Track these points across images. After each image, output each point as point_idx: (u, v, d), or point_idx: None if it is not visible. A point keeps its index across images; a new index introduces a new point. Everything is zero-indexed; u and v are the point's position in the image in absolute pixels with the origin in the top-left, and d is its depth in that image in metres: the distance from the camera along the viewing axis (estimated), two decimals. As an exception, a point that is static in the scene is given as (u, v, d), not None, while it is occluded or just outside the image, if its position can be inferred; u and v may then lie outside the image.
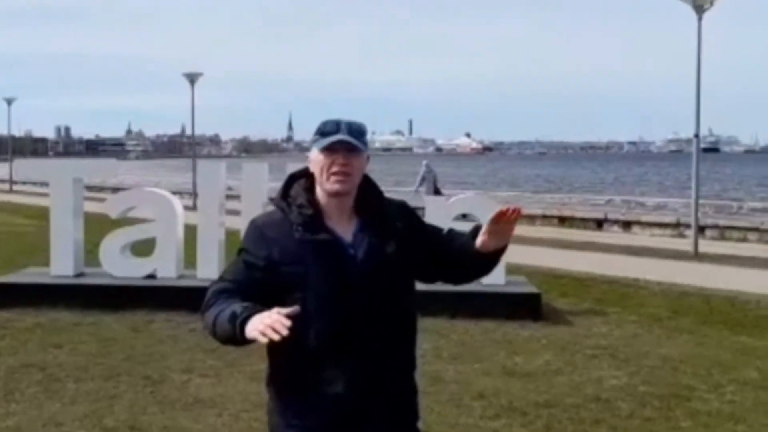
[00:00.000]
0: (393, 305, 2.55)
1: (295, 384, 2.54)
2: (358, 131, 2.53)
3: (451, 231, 2.77)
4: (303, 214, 2.52)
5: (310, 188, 2.57)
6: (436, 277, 2.73)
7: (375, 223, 2.57)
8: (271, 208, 2.68)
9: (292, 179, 2.62)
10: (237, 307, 2.38)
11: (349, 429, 2.52)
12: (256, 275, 2.52)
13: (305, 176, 2.59)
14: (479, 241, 2.55)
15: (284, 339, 2.24)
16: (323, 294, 2.47)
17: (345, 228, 2.56)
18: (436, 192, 23.10)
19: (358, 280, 2.49)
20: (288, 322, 2.24)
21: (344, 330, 2.48)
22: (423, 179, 24.41)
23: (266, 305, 2.35)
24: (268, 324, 2.25)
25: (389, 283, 2.53)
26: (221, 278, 2.60)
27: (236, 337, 2.35)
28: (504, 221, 2.51)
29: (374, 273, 2.50)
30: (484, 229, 2.55)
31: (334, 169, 2.50)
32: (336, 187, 2.51)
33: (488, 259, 2.61)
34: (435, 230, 2.74)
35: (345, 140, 2.49)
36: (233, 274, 2.57)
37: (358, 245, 2.53)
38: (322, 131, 2.53)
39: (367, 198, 2.60)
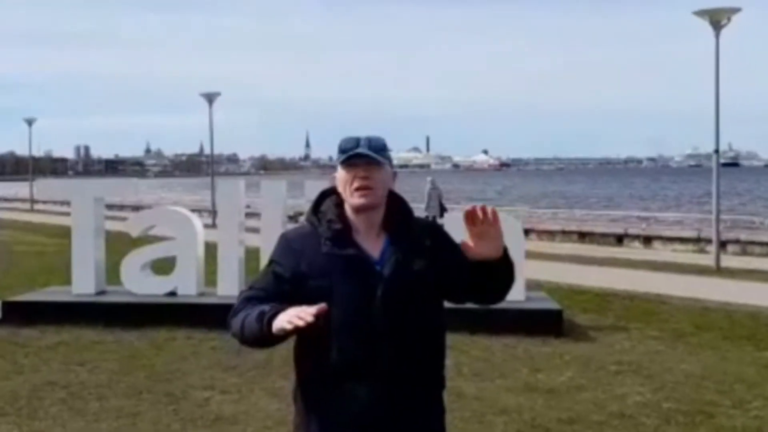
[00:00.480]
0: (419, 323, 2.54)
1: (319, 399, 2.54)
2: (377, 145, 2.55)
3: None
4: (332, 228, 2.54)
5: (340, 204, 2.59)
6: (465, 298, 2.67)
7: (403, 240, 2.56)
8: (291, 225, 2.71)
9: (323, 196, 2.64)
10: (265, 306, 2.45)
11: None
12: (284, 287, 2.54)
13: (336, 193, 2.61)
14: (466, 250, 2.48)
15: (313, 328, 2.27)
16: (348, 309, 2.47)
17: (373, 244, 2.56)
18: (442, 209, 22.71)
19: (383, 297, 2.48)
20: (314, 310, 2.27)
21: (368, 346, 2.47)
22: (429, 197, 23.77)
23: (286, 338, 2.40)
24: (294, 314, 2.30)
25: (416, 300, 2.52)
26: (251, 287, 2.63)
27: (263, 334, 2.39)
28: (480, 223, 2.42)
29: (400, 290, 2.50)
30: (464, 237, 2.48)
31: (356, 183, 2.51)
32: (359, 201, 2.52)
33: (492, 271, 2.51)
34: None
35: (363, 153, 2.51)
36: (263, 284, 2.60)
37: (386, 261, 2.53)
38: (343, 148, 2.54)
39: (396, 215, 2.61)
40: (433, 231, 2.69)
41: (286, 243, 2.62)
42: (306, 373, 2.59)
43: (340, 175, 2.55)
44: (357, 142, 2.53)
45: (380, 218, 2.59)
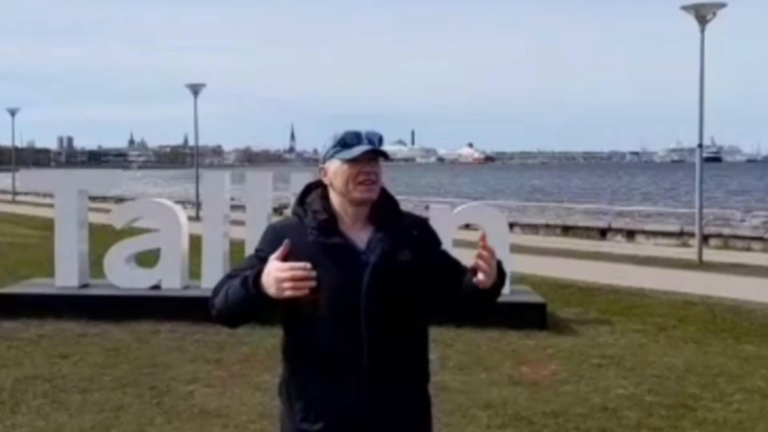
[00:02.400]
0: (405, 313, 2.55)
1: (304, 389, 2.55)
2: (379, 140, 2.59)
3: (464, 268, 2.68)
4: (317, 218, 2.56)
5: (326, 196, 2.61)
6: (433, 306, 2.65)
7: (390, 230, 2.58)
8: (276, 217, 2.72)
9: (309, 188, 2.66)
10: (247, 272, 2.43)
11: None
12: None
13: (321, 186, 2.63)
14: (478, 279, 2.46)
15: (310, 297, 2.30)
16: (333, 297, 2.47)
17: (359, 235, 2.57)
18: None
19: (368, 285, 2.49)
20: (312, 273, 2.29)
21: (352, 335, 2.48)
22: None
23: (275, 308, 2.40)
24: (289, 277, 2.29)
25: (401, 290, 2.53)
26: (233, 269, 2.63)
27: (251, 296, 2.37)
28: (481, 248, 2.45)
29: (386, 278, 2.50)
30: (473, 264, 2.48)
31: (361, 178, 2.53)
32: (364, 195, 2.55)
33: (486, 298, 2.54)
34: (450, 257, 2.70)
35: (376, 149, 2.54)
36: (245, 265, 2.59)
37: (371, 251, 2.54)
38: (345, 142, 2.55)
39: (383, 207, 2.62)
40: (421, 225, 2.70)
41: (272, 232, 2.63)
42: (291, 363, 2.60)
43: (342, 169, 2.54)
44: (358, 136, 2.54)
45: (367, 210, 2.60)
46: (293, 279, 2.30)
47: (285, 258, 2.37)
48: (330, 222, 2.55)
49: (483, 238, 2.48)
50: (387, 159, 2.60)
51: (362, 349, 2.48)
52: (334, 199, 2.60)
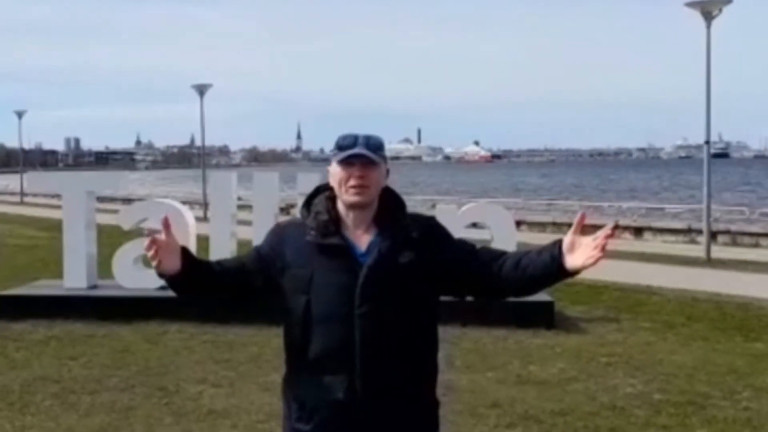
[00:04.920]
0: (404, 314, 2.52)
1: (299, 389, 2.57)
2: (375, 145, 2.57)
3: (484, 248, 2.70)
4: (318, 219, 2.58)
5: (332, 198, 2.62)
6: (467, 292, 2.67)
7: (392, 233, 2.56)
8: (283, 217, 2.75)
9: (318, 190, 2.68)
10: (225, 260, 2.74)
11: None
12: (263, 266, 2.61)
13: (330, 188, 2.64)
14: (574, 258, 2.44)
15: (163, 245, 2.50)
16: (327, 297, 2.48)
17: (361, 238, 2.57)
18: None
19: (365, 287, 2.48)
20: (155, 235, 2.48)
21: (347, 336, 2.47)
22: None
23: (270, 299, 2.57)
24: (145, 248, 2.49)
25: (399, 292, 2.51)
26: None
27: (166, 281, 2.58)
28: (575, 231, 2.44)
29: (382, 280, 2.49)
30: (572, 242, 2.46)
31: (351, 182, 2.53)
32: (353, 198, 2.54)
33: (563, 277, 2.52)
34: (464, 245, 2.68)
35: (361, 153, 2.52)
36: (241, 255, 2.76)
37: (371, 253, 2.53)
38: (340, 145, 2.56)
39: (388, 210, 2.62)
40: (426, 224, 2.67)
41: (276, 231, 2.70)
42: (290, 363, 2.63)
43: (336, 171, 2.57)
44: (355, 139, 2.55)
45: (372, 214, 2.60)
46: (145, 249, 2.49)
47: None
48: (330, 223, 2.56)
49: (582, 219, 2.46)
50: (373, 164, 2.54)
51: (355, 351, 2.47)
52: (339, 202, 2.60)
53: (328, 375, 2.49)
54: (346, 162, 2.54)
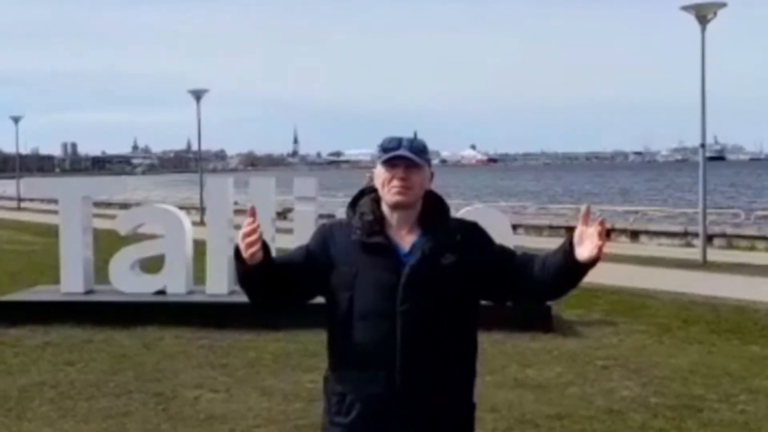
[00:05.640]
0: (444, 314, 2.56)
1: (339, 383, 2.61)
2: (418, 147, 2.63)
3: (525, 254, 2.72)
4: (364, 219, 2.63)
5: (377, 200, 2.68)
6: (508, 297, 2.71)
7: (435, 235, 2.61)
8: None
9: (363, 193, 2.74)
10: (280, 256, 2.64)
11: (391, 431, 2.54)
12: (313, 263, 2.64)
13: (374, 191, 2.70)
14: (583, 254, 2.45)
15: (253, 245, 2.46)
16: (370, 295, 2.54)
17: (405, 238, 2.62)
18: None
19: (407, 285, 2.52)
20: (255, 224, 2.45)
21: (388, 333, 2.52)
22: None
23: (264, 276, 2.55)
24: (241, 236, 2.47)
25: (440, 292, 2.55)
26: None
27: (239, 270, 2.54)
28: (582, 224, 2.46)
29: (426, 280, 2.53)
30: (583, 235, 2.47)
31: (394, 182, 2.60)
32: (395, 198, 2.60)
33: (578, 272, 2.52)
34: (505, 251, 2.70)
35: (403, 155, 2.59)
36: (291, 251, 2.75)
37: (414, 253, 2.58)
38: (385, 147, 2.63)
39: (432, 212, 2.67)
40: (470, 229, 2.72)
41: (322, 230, 2.75)
42: (331, 359, 2.69)
43: (380, 172, 2.64)
44: (399, 142, 2.62)
45: (415, 215, 2.65)
46: (243, 236, 2.45)
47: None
48: (375, 223, 2.62)
49: (587, 212, 2.47)
50: (416, 166, 2.60)
51: (396, 347, 2.52)
52: (384, 203, 2.66)
53: (369, 370, 2.53)
54: (390, 164, 2.61)
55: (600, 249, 2.41)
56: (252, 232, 2.45)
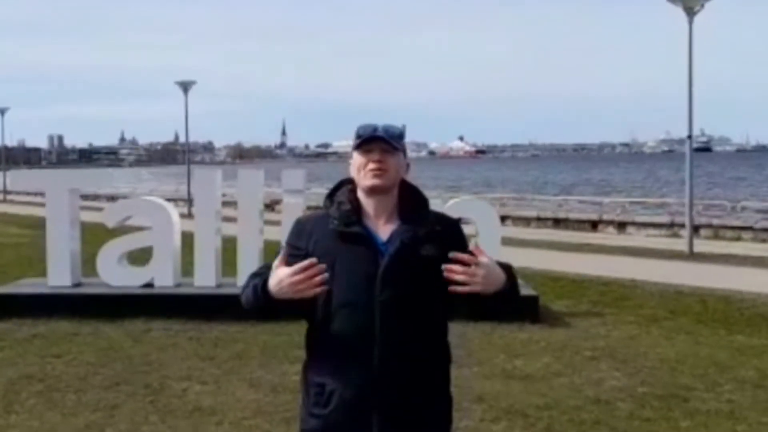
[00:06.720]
0: (422, 304, 2.55)
1: (318, 374, 2.60)
2: (393, 133, 2.62)
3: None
4: (341, 209, 2.62)
5: (355, 191, 2.67)
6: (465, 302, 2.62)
7: (414, 225, 2.60)
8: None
9: (341, 184, 2.72)
10: (258, 280, 2.55)
11: (369, 424, 2.52)
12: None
13: (352, 182, 2.69)
14: (454, 288, 2.45)
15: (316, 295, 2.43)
16: (348, 284, 2.52)
17: (383, 228, 2.61)
18: None
19: (385, 275, 2.52)
20: (323, 266, 2.40)
21: (366, 323, 2.51)
22: None
23: (295, 307, 2.51)
24: (303, 278, 2.40)
25: (418, 282, 2.54)
26: (260, 266, 2.71)
27: (264, 305, 2.52)
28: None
29: (404, 270, 2.53)
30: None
31: (370, 165, 2.58)
32: (371, 182, 2.58)
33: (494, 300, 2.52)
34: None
35: (379, 136, 2.58)
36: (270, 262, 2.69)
37: (392, 242, 2.57)
38: (360, 134, 2.62)
39: (410, 203, 2.66)
40: (450, 223, 2.72)
41: (298, 225, 2.71)
42: (310, 349, 2.67)
43: (355, 159, 2.63)
44: (374, 129, 2.61)
45: (392, 205, 2.64)
46: (309, 278, 2.40)
47: (288, 264, 2.47)
48: (353, 213, 2.60)
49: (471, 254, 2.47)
50: (391, 150, 2.59)
51: (374, 338, 2.51)
52: (360, 192, 2.65)
53: (348, 359, 2.52)
54: (365, 149, 2.60)
55: (470, 275, 2.42)
56: (318, 273, 2.40)
